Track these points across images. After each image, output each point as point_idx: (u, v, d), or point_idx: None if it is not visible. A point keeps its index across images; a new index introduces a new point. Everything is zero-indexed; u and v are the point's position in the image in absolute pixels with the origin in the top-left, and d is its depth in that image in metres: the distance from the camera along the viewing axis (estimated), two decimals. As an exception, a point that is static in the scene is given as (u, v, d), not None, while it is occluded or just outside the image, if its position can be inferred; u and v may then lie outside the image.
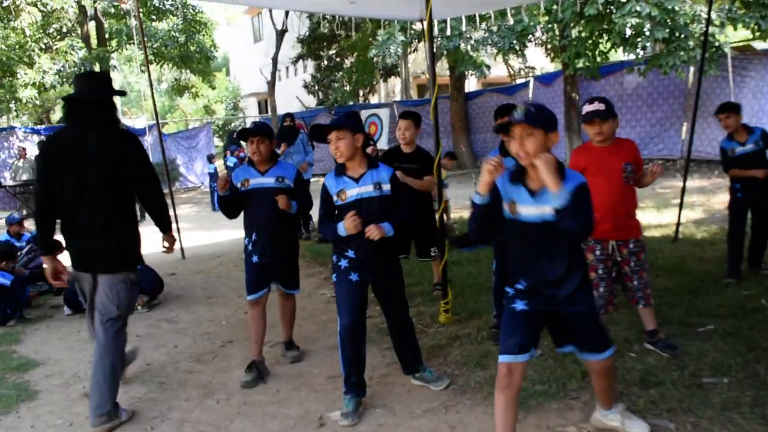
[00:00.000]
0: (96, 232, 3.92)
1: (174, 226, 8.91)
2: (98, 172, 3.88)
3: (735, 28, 13.82)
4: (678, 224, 7.99)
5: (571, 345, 3.20)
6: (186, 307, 6.72)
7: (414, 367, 4.27)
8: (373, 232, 3.72)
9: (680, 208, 8.07)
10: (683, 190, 8.15)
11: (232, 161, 16.56)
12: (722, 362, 4.10)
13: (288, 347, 4.98)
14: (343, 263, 3.94)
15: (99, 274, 4.04)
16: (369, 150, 4.49)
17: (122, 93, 4.65)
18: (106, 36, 21.30)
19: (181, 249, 9.33)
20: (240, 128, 4.82)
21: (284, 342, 5.00)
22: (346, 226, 3.77)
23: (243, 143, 16.33)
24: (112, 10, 20.95)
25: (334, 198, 3.90)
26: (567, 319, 3.10)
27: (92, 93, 4.02)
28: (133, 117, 20.40)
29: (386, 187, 3.88)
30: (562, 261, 3.01)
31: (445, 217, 9.72)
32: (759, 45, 15.03)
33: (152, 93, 9.44)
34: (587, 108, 4.18)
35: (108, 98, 4.11)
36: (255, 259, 4.55)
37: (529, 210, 2.98)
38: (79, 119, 3.98)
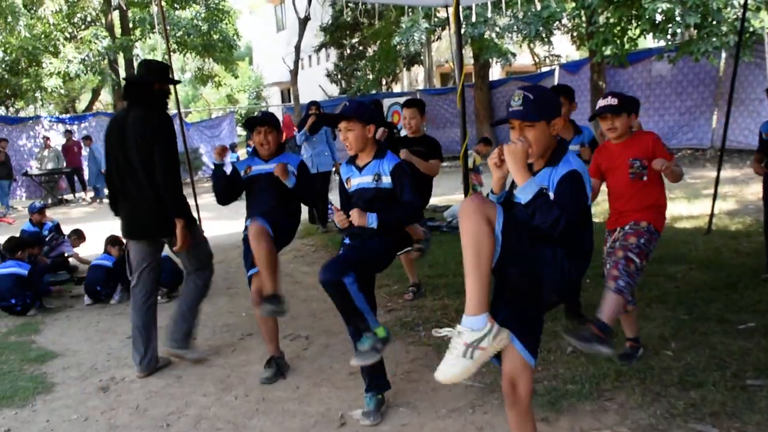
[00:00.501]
0: (135, 204, 4.48)
1: (195, 215, 8.92)
2: (133, 150, 4.34)
3: (760, 12, 13.42)
4: (711, 215, 7.69)
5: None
6: (207, 299, 6.48)
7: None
8: (354, 215, 3.55)
9: (714, 199, 7.77)
10: (717, 180, 7.86)
11: (234, 157, 16.24)
12: (766, 362, 3.86)
13: (266, 300, 4.11)
14: (347, 240, 3.84)
15: (143, 240, 4.63)
16: (378, 135, 4.23)
17: (174, 81, 5.08)
18: (130, 25, 21.22)
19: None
20: (248, 118, 4.59)
21: (265, 296, 4.15)
22: (336, 220, 3.69)
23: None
24: (136, -1, 20.89)
25: (347, 185, 3.84)
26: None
27: (140, 78, 4.51)
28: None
29: (386, 179, 3.68)
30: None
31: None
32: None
33: (174, 81, 9.30)
34: (600, 102, 4.00)
35: (152, 83, 4.47)
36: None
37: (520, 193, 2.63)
38: (127, 101, 4.52)
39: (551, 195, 2.59)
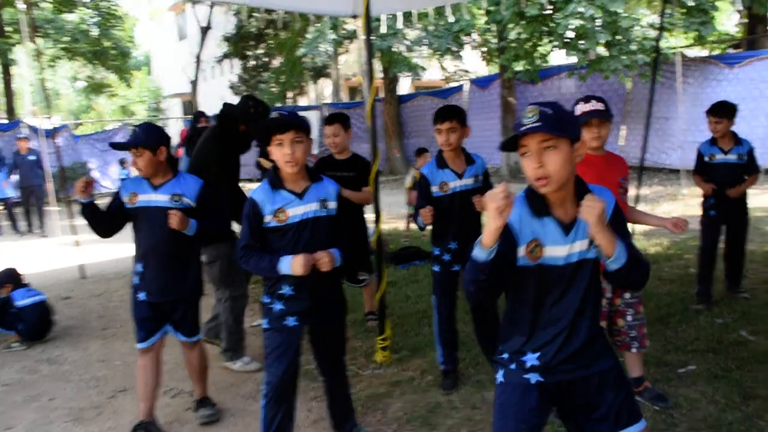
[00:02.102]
0: None
1: (74, 237, 7.96)
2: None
3: (670, 34, 13.64)
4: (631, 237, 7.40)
5: (604, 429, 2.22)
6: (75, 342, 5.67)
7: (345, 429, 3.46)
8: (325, 261, 2.94)
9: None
10: (636, 200, 7.59)
11: (125, 173, 15.02)
12: (719, 418, 3.43)
13: (201, 405, 3.95)
14: (278, 306, 3.08)
15: None
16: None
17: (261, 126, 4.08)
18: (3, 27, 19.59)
19: (81, 267, 8.24)
20: (115, 141, 3.74)
21: (195, 400, 3.99)
22: (294, 266, 2.91)
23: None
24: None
25: (268, 219, 3.01)
26: (590, 385, 2.21)
27: (234, 112, 4.62)
28: (41, 116, 18.83)
29: (332, 205, 3.11)
30: (589, 313, 2.19)
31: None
32: (690, 52, 14.93)
33: (44, 89, 8.32)
34: (584, 107, 3.42)
35: (241, 123, 4.57)
36: (141, 296, 3.59)
37: (558, 251, 2.13)
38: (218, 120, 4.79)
39: None
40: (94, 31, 20.14)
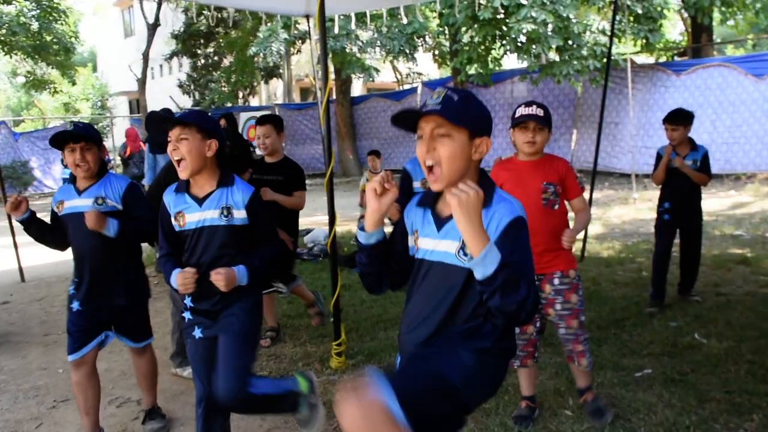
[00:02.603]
0: None
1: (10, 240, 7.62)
2: None
3: (620, 41, 13.88)
4: (585, 241, 7.48)
5: None
6: (14, 350, 5.41)
7: None
8: (220, 280, 2.75)
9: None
10: (590, 202, 7.66)
11: (67, 173, 14.47)
12: (676, 422, 3.43)
13: (150, 416, 3.78)
14: (186, 314, 2.99)
15: None
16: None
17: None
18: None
19: (20, 270, 7.93)
20: (56, 131, 3.46)
21: (145, 410, 3.81)
22: (177, 282, 2.81)
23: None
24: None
25: (173, 221, 2.91)
26: None
27: None
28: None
29: (239, 214, 2.89)
30: (450, 321, 2.00)
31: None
32: (639, 59, 15.22)
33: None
34: (523, 111, 3.39)
35: None
36: (75, 305, 3.40)
37: (428, 245, 2.03)
38: None
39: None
40: (34, 25, 19.44)
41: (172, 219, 2.90)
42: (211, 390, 2.88)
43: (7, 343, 5.61)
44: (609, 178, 14.39)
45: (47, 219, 3.52)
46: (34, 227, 3.38)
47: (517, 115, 3.42)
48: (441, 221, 2.01)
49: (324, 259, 7.66)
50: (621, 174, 14.06)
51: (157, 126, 2.89)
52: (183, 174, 2.83)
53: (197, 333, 2.94)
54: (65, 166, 13.66)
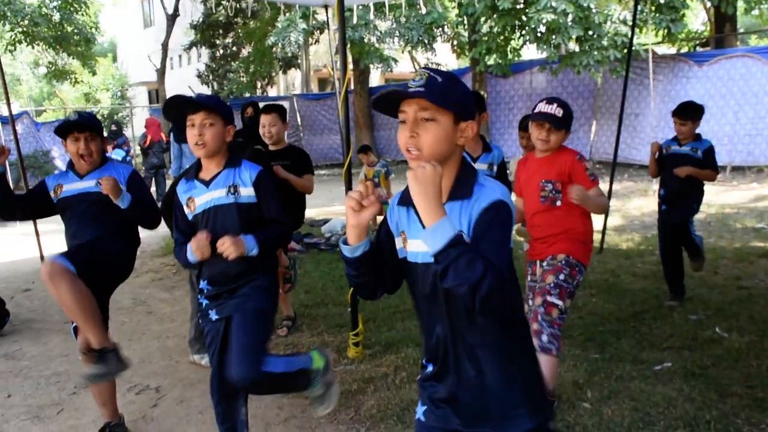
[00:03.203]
0: None
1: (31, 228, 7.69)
2: None
3: (641, 31, 13.72)
4: (603, 233, 7.40)
5: None
6: (35, 337, 5.48)
7: None
8: (227, 246, 2.71)
9: (606, 216, 7.49)
10: (609, 194, 7.60)
11: (120, 154, 14.59)
12: (696, 416, 3.39)
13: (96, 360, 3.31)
14: (203, 299, 3.00)
15: None
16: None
17: None
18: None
19: (41, 258, 7.98)
20: (62, 121, 3.45)
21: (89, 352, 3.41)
22: (193, 249, 2.80)
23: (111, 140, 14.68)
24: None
25: (185, 209, 2.93)
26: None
27: None
28: None
29: (246, 191, 2.89)
30: (478, 337, 1.83)
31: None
32: (660, 49, 15.03)
33: (2, 74, 7.98)
34: (542, 107, 3.37)
35: None
36: None
37: (419, 246, 1.83)
38: None
39: (467, 239, 1.65)
40: (56, 16, 19.57)
41: (185, 207, 2.91)
42: (224, 372, 2.87)
43: (28, 330, 5.68)
44: (629, 169, 14.25)
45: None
46: (6, 203, 3.41)
47: (536, 110, 3.39)
48: None
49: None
50: (641, 166, 13.90)
51: (177, 110, 2.85)
52: (200, 153, 2.85)
53: (213, 315, 2.93)
54: (118, 148, 13.55)
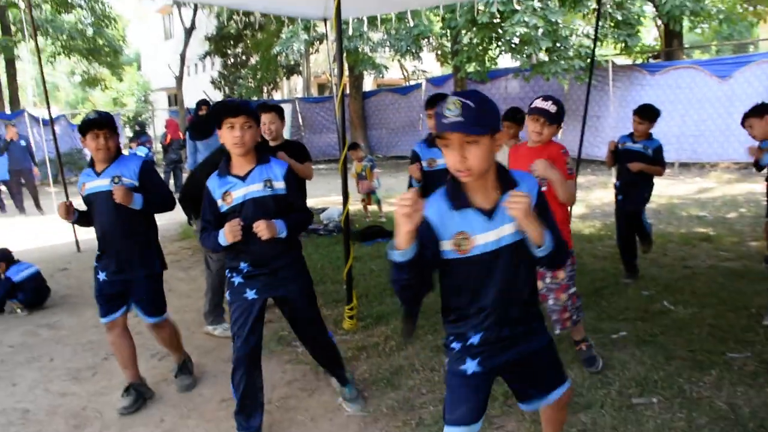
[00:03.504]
0: None
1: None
2: None
3: (602, 44, 13.76)
4: (569, 221, 7.40)
5: (538, 392, 2.21)
6: (72, 310, 5.48)
7: (340, 380, 3.40)
8: (262, 227, 2.77)
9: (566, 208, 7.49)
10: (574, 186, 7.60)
11: (143, 151, 14.43)
12: (646, 377, 3.44)
13: (181, 371, 3.80)
14: (237, 279, 2.96)
15: None
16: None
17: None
18: (12, 27, 18.90)
19: (76, 241, 7.96)
20: (83, 120, 3.44)
21: (176, 364, 3.84)
22: (225, 234, 2.80)
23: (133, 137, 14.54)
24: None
25: (219, 202, 2.91)
26: (528, 361, 2.14)
27: None
28: (41, 107, 18.29)
29: (279, 185, 2.92)
30: (526, 292, 2.08)
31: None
32: (618, 60, 15.04)
33: (44, 82, 7.95)
34: (538, 103, 3.34)
35: None
36: (101, 276, 3.41)
37: (487, 237, 1.95)
38: None
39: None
40: (89, 31, 19.51)
41: (219, 201, 2.89)
42: (302, 338, 3.27)
43: (66, 304, 5.68)
44: (591, 165, 14.26)
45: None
46: (82, 221, 3.45)
47: (532, 105, 3.37)
48: (487, 212, 1.94)
49: (338, 234, 7.67)
50: (602, 161, 13.90)
51: (216, 116, 2.87)
52: (239, 152, 2.85)
53: (250, 294, 2.93)
54: (141, 145, 13.38)
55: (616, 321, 4.37)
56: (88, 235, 8.22)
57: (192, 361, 3.91)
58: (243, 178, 2.89)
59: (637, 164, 5.04)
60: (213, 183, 2.92)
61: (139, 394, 3.53)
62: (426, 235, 1.90)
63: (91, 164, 3.38)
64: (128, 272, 3.41)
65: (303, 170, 4.74)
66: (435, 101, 3.75)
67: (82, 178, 3.41)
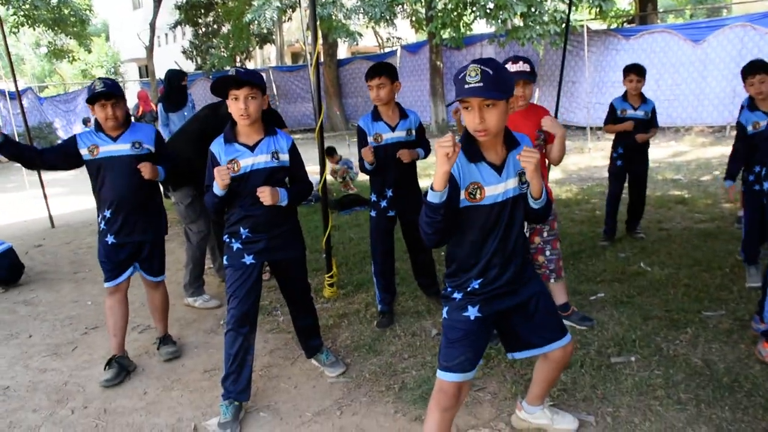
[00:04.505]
0: None
1: (42, 191, 7.55)
2: None
3: (577, 9, 13.68)
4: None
5: (534, 342, 2.37)
6: (49, 286, 5.41)
7: (314, 350, 3.46)
8: (266, 194, 2.84)
9: (548, 169, 7.53)
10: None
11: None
12: (624, 336, 3.51)
13: (163, 342, 3.83)
14: (236, 244, 3.00)
15: None
16: None
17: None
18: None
19: (50, 217, 7.83)
20: (90, 91, 3.37)
21: (158, 337, 3.86)
22: (217, 181, 2.82)
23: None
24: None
25: (232, 170, 2.90)
26: (524, 310, 2.32)
27: None
28: (6, 80, 17.70)
29: (284, 157, 3.00)
30: (521, 242, 2.25)
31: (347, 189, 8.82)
32: (593, 25, 15.04)
33: (8, 54, 7.71)
34: (511, 68, 3.24)
35: None
36: (110, 239, 3.40)
37: (496, 189, 2.14)
38: None
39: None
40: (54, 0, 18.88)
41: (226, 167, 2.86)
42: (292, 303, 3.34)
43: (43, 280, 5.60)
44: (567, 130, 14.33)
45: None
46: (10, 148, 3.26)
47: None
48: (498, 168, 2.14)
49: (316, 204, 7.63)
50: (577, 127, 14.01)
51: (223, 86, 2.83)
52: (245, 122, 2.87)
53: (248, 259, 2.99)
54: (86, 126, 13.24)
55: (594, 283, 4.43)
56: (62, 211, 8.14)
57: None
58: (251, 148, 2.91)
59: (642, 135, 5.19)
60: (218, 148, 2.92)
61: (122, 367, 3.52)
62: (451, 182, 2.05)
63: (99, 128, 3.36)
64: (140, 234, 3.46)
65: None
66: (373, 73, 3.73)
67: (89, 138, 3.35)
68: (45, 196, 7.70)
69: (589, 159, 10.70)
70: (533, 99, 3.56)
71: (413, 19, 19.46)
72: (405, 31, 23.53)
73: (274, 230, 3.02)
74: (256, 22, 16.85)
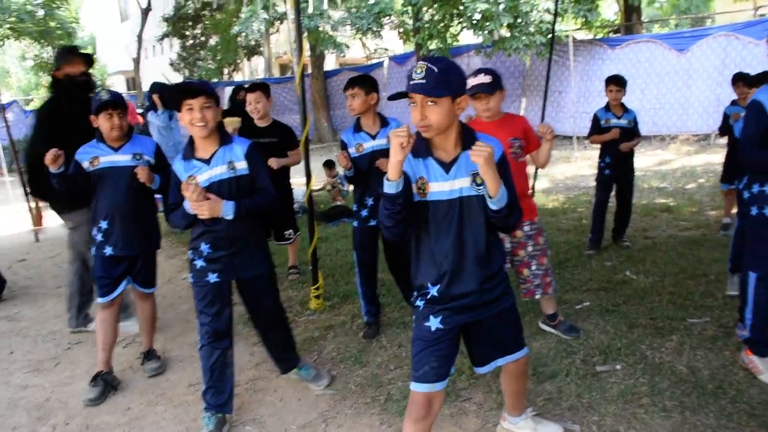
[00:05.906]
0: None
1: (28, 205, 7.49)
2: None
3: (562, 19, 13.80)
4: (533, 193, 7.49)
5: (491, 355, 2.38)
6: (32, 301, 5.36)
7: (289, 366, 3.36)
8: (203, 207, 2.72)
9: (534, 178, 7.57)
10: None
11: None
12: (609, 345, 3.51)
13: (147, 357, 3.78)
14: (199, 261, 2.93)
15: None
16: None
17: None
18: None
19: (35, 231, 7.77)
20: (96, 100, 3.35)
21: (143, 352, 3.81)
22: (188, 198, 2.73)
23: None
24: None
25: (184, 185, 2.84)
26: (488, 325, 2.30)
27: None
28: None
29: (241, 165, 2.87)
30: (484, 251, 2.18)
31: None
32: (579, 35, 15.18)
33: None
34: (471, 81, 3.28)
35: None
36: (108, 251, 3.38)
37: (442, 186, 2.13)
38: None
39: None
40: (40, 12, 18.81)
41: (184, 183, 2.81)
42: (259, 325, 3.20)
43: (26, 295, 5.55)
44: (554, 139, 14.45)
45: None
46: (67, 179, 3.30)
47: (468, 86, 3.34)
48: (447, 165, 2.13)
49: (302, 215, 7.61)
50: (564, 136, 14.08)
51: (178, 97, 2.78)
52: (202, 133, 2.79)
53: (212, 278, 2.91)
54: None
55: (579, 292, 4.45)
56: (46, 224, 8.06)
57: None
58: (207, 161, 2.84)
59: (627, 144, 5.27)
60: (179, 167, 2.87)
61: (107, 384, 3.47)
62: (406, 175, 2.08)
63: (100, 139, 3.36)
64: (136, 247, 3.45)
65: (294, 161, 4.90)
66: (348, 84, 3.80)
67: (88, 151, 3.34)
68: (30, 210, 7.63)
69: (575, 168, 10.76)
70: (519, 110, 3.59)
71: (401, 30, 19.56)
72: (392, 42, 23.62)
73: (235, 246, 2.91)
74: (243, 34, 16.90)
